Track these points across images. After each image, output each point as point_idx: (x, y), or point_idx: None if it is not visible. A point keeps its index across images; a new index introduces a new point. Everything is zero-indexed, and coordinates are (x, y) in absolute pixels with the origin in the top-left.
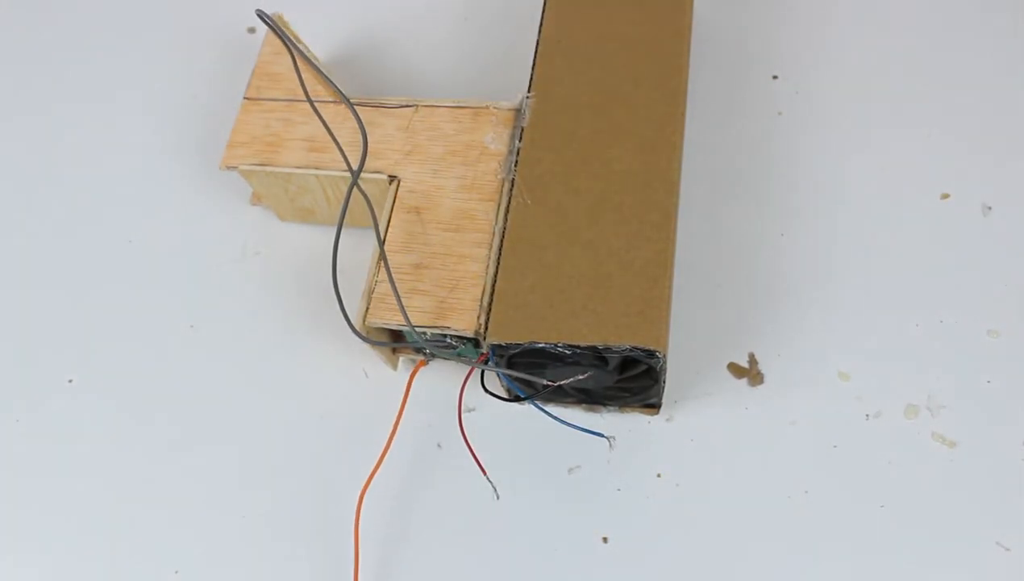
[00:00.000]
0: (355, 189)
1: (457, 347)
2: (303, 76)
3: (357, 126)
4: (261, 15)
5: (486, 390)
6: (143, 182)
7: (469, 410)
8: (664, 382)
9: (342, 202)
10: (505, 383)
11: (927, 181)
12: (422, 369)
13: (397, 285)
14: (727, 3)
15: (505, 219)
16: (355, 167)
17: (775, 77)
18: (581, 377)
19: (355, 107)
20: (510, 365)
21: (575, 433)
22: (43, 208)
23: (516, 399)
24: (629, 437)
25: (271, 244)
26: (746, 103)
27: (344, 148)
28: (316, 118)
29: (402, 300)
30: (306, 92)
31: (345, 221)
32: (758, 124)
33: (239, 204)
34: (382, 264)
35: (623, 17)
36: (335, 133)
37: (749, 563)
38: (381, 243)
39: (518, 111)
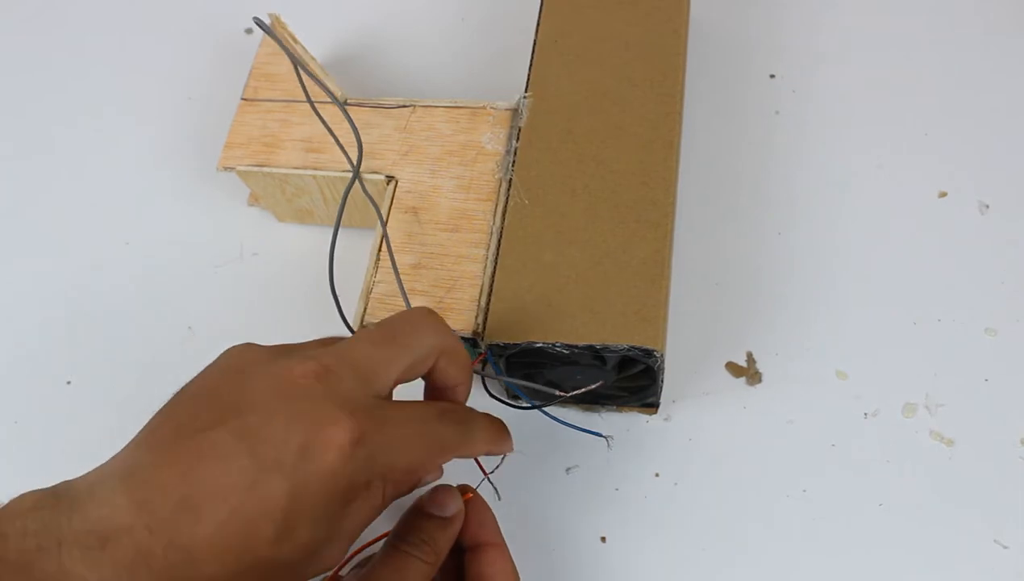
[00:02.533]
0: (351, 191)
1: None
2: (303, 78)
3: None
4: (259, 22)
5: (488, 392)
6: (140, 183)
7: None
8: (662, 381)
9: (339, 202)
10: (506, 385)
11: (924, 179)
12: None
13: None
14: (724, 2)
15: (503, 219)
16: (352, 168)
17: (772, 76)
18: (593, 386)
19: (352, 108)
20: (508, 365)
21: (573, 433)
22: (40, 210)
23: (515, 399)
24: (627, 436)
25: (269, 245)
26: (743, 102)
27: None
28: (314, 118)
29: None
30: (307, 95)
31: (343, 221)
32: (755, 123)
33: (237, 205)
34: (379, 264)
35: (620, 17)
36: (333, 135)
37: (747, 562)
38: (385, 234)
39: (515, 111)
